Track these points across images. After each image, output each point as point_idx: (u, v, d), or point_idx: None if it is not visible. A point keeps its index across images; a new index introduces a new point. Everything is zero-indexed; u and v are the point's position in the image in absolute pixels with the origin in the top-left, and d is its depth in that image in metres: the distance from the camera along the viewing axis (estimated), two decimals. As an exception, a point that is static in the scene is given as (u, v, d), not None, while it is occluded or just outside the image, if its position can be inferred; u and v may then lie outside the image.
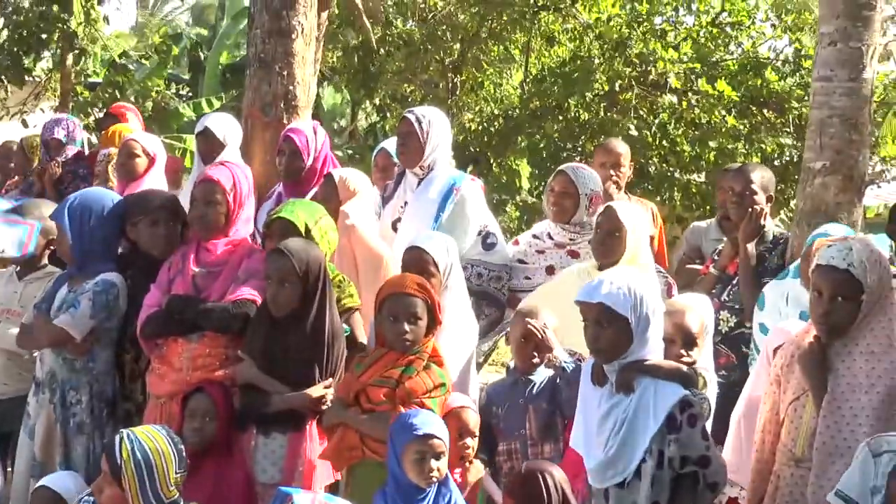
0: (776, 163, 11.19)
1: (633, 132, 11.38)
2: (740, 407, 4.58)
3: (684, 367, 4.16)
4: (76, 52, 12.94)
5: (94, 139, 8.70)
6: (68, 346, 5.00)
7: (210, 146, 6.29)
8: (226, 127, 6.36)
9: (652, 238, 6.23)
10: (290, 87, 6.40)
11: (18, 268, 5.65)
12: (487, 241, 5.84)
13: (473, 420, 4.63)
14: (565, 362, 4.73)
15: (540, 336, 4.79)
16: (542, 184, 12.77)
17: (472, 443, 4.58)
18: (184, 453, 4.09)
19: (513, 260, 5.92)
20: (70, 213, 5.12)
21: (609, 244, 5.19)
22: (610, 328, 3.91)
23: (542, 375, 4.83)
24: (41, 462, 5.06)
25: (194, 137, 6.57)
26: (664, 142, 11.89)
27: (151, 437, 4.05)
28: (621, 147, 6.72)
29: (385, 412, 4.44)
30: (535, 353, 4.83)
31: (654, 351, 3.99)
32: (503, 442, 4.82)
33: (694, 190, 11.87)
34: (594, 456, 4.00)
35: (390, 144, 6.68)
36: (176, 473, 4.01)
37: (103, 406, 5.04)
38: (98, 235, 5.11)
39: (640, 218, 5.37)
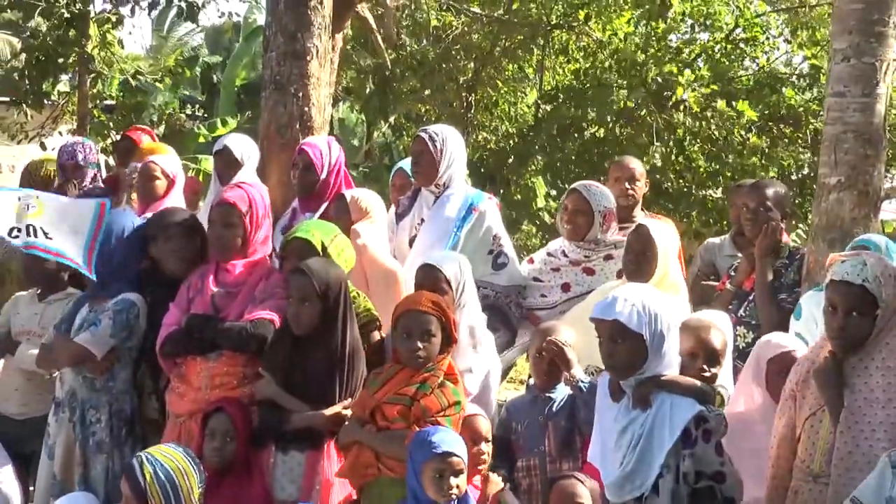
0: (793, 177, 11.21)
1: (657, 159, 11.39)
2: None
3: (700, 383, 4.19)
4: (93, 75, 13.05)
5: (111, 161, 8.76)
6: (88, 364, 5.06)
7: (228, 165, 6.35)
8: (244, 147, 6.42)
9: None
10: (306, 109, 6.48)
11: (39, 290, 5.71)
12: (498, 262, 5.85)
13: (485, 426, 4.66)
14: (582, 381, 4.75)
15: (556, 352, 4.82)
16: (559, 202, 12.86)
17: (487, 448, 4.60)
18: (201, 467, 4.15)
19: (527, 279, 5.94)
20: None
21: (641, 264, 5.17)
22: (624, 344, 3.96)
23: (561, 393, 4.87)
24: (61, 481, 5.11)
25: (212, 156, 6.63)
26: (680, 158, 11.93)
27: (170, 457, 4.11)
28: (635, 163, 6.71)
29: (400, 431, 4.47)
30: (552, 370, 4.86)
31: (670, 366, 4.03)
32: (522, 458, 4.85)
33: (710, 206, 11.89)
34: (611, 471, 4.04)
35: (408, 164, 6.72)
36: (198, 488, 4.06)
37: (122, 425, 5.10)
38: (118, 256, 5.18)
39: (670, 236, 5.38)
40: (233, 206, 5.05)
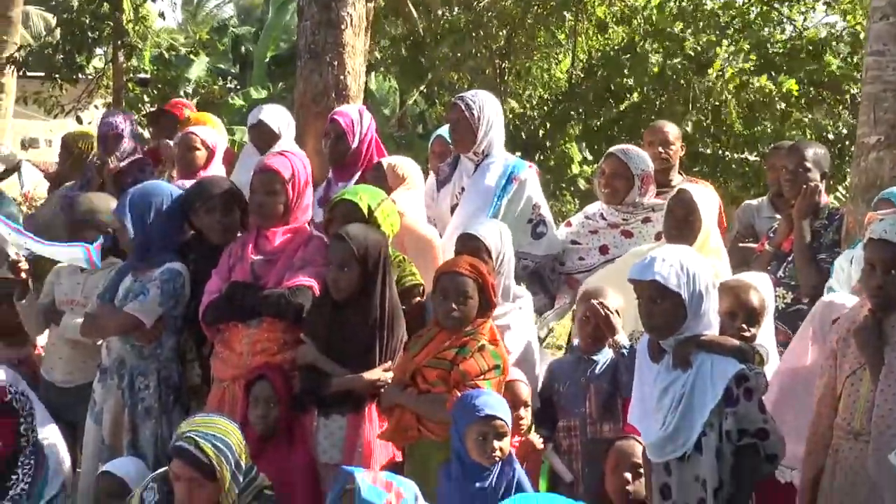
0: (831, 138, 11.14)
1: (689, 128, 11.34)
2: (776, 378, 4.60)
3: (740, 343, 4.20)
4: (127, 48, 13.13)
5: (146, 134, 8.83)
6: (137, 333, 5.14)
7: (264, 138, 6.40)
8: (279, 118, 6.46)
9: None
10: (341, 77, 6.52)
11: None
12: (537, 231, 5.88)
13: (525, 392, 4.72)
14: (625, 347, 4.78)
15: (602, 317, 4.84)
16: (597, 166, 12.82)
17: (526, 413, 4.66)
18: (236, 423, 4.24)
19: (565, 244, 5.97)
20: (131, 206, 5.25)
21: (683, 229, 5.15)
22: (663, 305, 3.98)
23: (605, 356, 4.90)
24: (109, 446, 5.19)
25: (247, 130, 6.67)
26: (715, 123, 11.87)
27: (210, 423, 4.18)
28: (669, 126, 6.69)
29: (440, 394, 4.52)
30: (597, 333, 4.88)
31: (709, 326, 4.05)
32: (563, 419, 4.90)
33: (747, 170, 11.83)
34: (653, 431, 4.07)
35: (446, 130, 6.74)
36: (245, 452, 4.14)
37: (170, 391, 5.18)
38: (158, 227, 5.23)
39: (712, 201, 5.37)
40: (276, 173, 5.07)
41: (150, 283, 5.13)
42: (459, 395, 4.43)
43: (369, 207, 5.00)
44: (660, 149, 6.36)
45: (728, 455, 3.97)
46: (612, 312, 4.85)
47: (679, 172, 6.59)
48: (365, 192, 5.15)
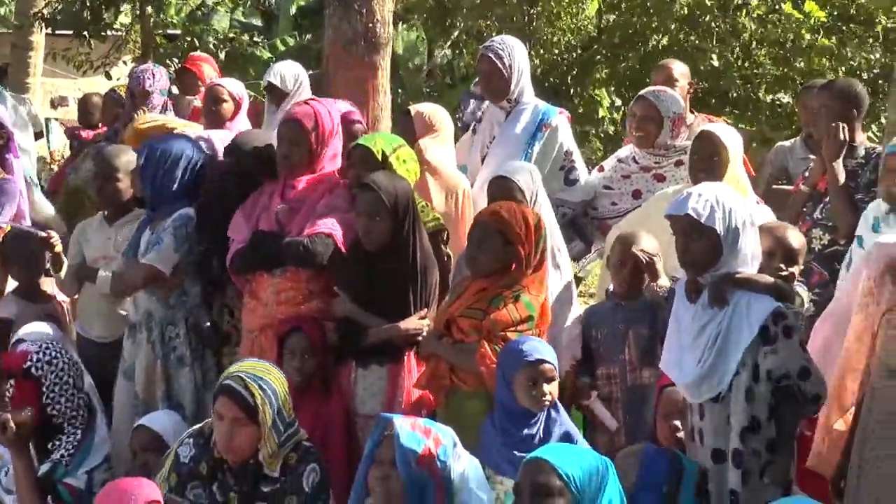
0: (865, 77, 10.97)
1: (715, 61, 11.22)
2: (827, 319, 4.54)
3: (778, 281, 4.12)
4: (155, 3, 13.11)
5: (174, 90, 8.81)
6: (160, 283, 5.14)
7: (274, 99, 6.42)
8: (286, 73, 6.46)
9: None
10: (370, 25, 6.47)
11: (105, 213, 5.78)
12: (570, 177, 5.84)
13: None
14: (667, 292, 4.70)
15: (644, 262, 4.79)
16: (623, 114, 12.74)
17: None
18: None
19: (597, 188, 5.91)
20: (147, 157, 5.26)
21: (708, 169, 5.07)
22: (699, 240, 3.92)
23: (641, 301, 4.85)
24: (143, 400, 5.21)
25: (263, 89, 6.67)
26: (747, 63, 11.72)
27: (264, 368, 4.18)
28: (675, 63, 6.72)
29: (471, 344, 4.49)
30: (634, 279, 4.84)
31: (746, 264, 3.98)
32: (602, 366, 4.86)
33: (779, 110, 11.69)
34: (688, 371, 4.02)
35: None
36: (287, 393, 4.15)
37: (200, 339, 5.19)
38: (170, 179, 5.20)
39: (736, 139, 5.28)
40: (298, 122, 5.01)
41: (164, 232, 5.12)
42: (488, 345, 4.41)
43: (383, 153, 4.98)
44: (663, 85, 6.30)
45: (762, 396, 3.91)
46: (654, 257, 4.79)
47: (691, 111, 6.52)
48: (381, 137, 5.15)
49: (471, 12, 13.49)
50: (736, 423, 3.92)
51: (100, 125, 8.35)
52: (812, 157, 5.95)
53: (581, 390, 4.87)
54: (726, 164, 5.12)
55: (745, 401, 3.91)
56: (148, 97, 7.25)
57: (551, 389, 4.20)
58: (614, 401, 4.84)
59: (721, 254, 3.93)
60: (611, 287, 5.04)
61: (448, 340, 4.59)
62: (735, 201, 3.96)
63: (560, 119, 5.88)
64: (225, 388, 4.09)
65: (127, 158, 5.53)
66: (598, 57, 12.70)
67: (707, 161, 5.14)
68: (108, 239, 5.68)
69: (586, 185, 5.88)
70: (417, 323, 4.74)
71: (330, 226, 4.86)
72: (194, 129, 6.51)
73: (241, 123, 6.55)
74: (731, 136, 5.26)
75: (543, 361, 4.19)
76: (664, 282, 4.79)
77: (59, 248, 5.73)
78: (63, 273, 5.72)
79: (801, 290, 4.50)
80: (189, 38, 14.13)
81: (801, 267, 4.62)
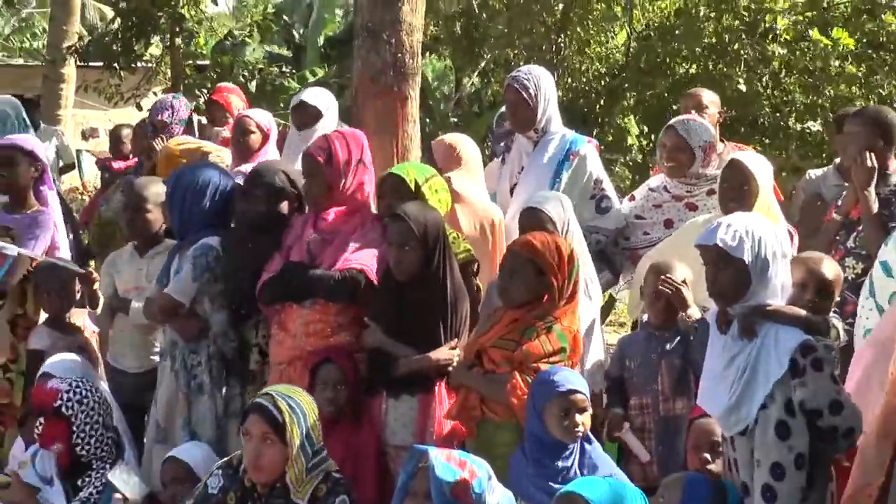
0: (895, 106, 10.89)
1: (742, 86, 11.19)
2: (868, 347, 4.47)
3: (808, 314, 4.04)
4: (185, 34, 13.21)
5: (203, 121, 8.88)
6: (178, 325, 5.13)
7: (306, 119, 6.44)
8: (319, 98, 6.51)
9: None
10: (399, 55, 6.46)
11: (136, 245, 5.78)
12: (602, 206, 5.82)
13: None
14: (698, 322, 4.68)
15: (674, 292, 4.77)
16: (652, 142, 12.73)
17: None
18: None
19: (629, 217, 5.90)
20: (174, 185, 5.27)
21: (738, 198, 5.05)
22: (727, 270, 3.88)
23: (675, 331, 4.82)
24: (164, 428, 5.21)
25: (290, 110, 6.71)
26: (776, 92, 11.67)
27: (295, 391, 4.19)
28: (704, 92, 6.72)
29: (502, 375, 4.48)
30: (669, 309, 4.81)
31: (776, 295, 3.93)
32: (635, 396, 4.84)
33: (809, 139, 11.63)
34: (720, 403, 3.98)
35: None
36: (318, 425, 4.14)
37: (222, 366, 5.13)
38: (198, 208, 5.20)
39: (765, 168, 5.25)
40: (310, 156, 5.05)
41: (184, 262, 5.14)
42: (519, 376, 4.39)
43: (416, 182, 4.98)
44: (693, 112, 6.31)
45: (798, 431, 3.84)
46: (682, 286, 4.77)
47: (721, 140, 6.49)
48: (413, 167, 5.16)
49: (498, 41, 13.52)
50: (763, 457, 3.86)
51: (130, 156, 8.41)
52: (846, 184, 5.91)
53: (613, 421, 4.84)
54: (756, 192, 5.09)
55: (774, 435, 3.85)
56: (167, 128, 7.32)
57: (583, 420, 4.17)
58: (647, 431, 4.81)
59: (750, 284, 3.89)
60: (644, 317, 5.00)
61: (479, 371, 4.58)
62: (765, 231, 3.92)
63: (588, 148, 5.87)
64: (254, 405, 4.10)
65: (156, 189, 5.55)
66: (626, 85, 12.69)
67: (737, 190, 5.12)
68: (140, 270, 5.70)
69: (618, 213, 5.86)
70: (448, 353, 4.73)
71: (363, 260, 4.86)
72: (226, 153, 6.57)
73: (270, 155, 6.57)
74: (760, 165, 5.23)
75: (575, 392, 4.17)
76: (694, 312, 4.76)
77: (97, 284, 5.74)
78: (99, 308, 5.73)
79: (836, 321, 4.43)
80: (219, 70, 14.22)
81: (838, 298, 4.56)
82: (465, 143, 5.91)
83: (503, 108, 6.82)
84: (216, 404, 5.12)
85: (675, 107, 11.92)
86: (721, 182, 5.24)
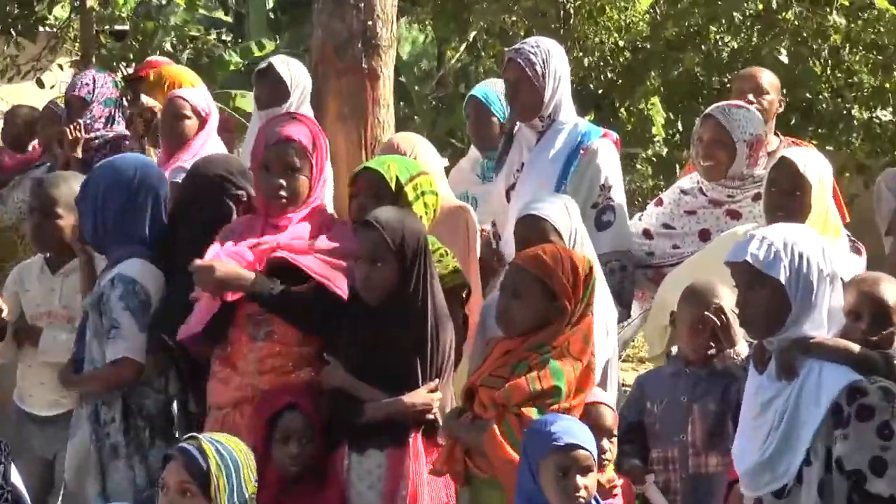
0: None
1: (784, 58, 11.25)
2: None
3: (864, 349, 4.02)
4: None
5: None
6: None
7: (272, 91, 6.44)
8: (293, 70, 6.51)
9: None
10: (369, 23, 6.48)
11: (47, 257, 5.75)
12: (602, 218, 5.79)
13: (610, 417, 4.65)
14: (745, 361, 4.67)
15: (723, 325, 4.79)
16: (678, 131, 12.76)
17: (609, 445, 4.59)
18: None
19: (655, 226, 5.94)
20: (87, 181, 5.24)
21: (788, 206, 5.07)
22: (760, 293, 3.91)
23: (711, 368, 4.84)
24: (72, 492, 5.21)
25: (254, 79, 6.68)
26: (837, 72, 11.75)
27: (229, 438, 4.19)
28: (764, 73, 6.71)
29: (486, 421, 4.48)
30: (713, 343, 4.84)
31: (824, 325, 3.95)
32: (658, 447, 4.87)
33: (879, 130, 11.70)
34: (748, 456, 4.00)
35: (484, 89, 6.70)
36: (253, 483, 4.13)
37: (143, 424, 5.08)
38: (113, 212, 5.14)
39: (825, 167, 5.29)
40: (296, 142, 4.97)
41: (114, 310, 5.02)
42: (497, 423, 4.41)
43: (398, 180, 4.98)
44: (751, 96, 6.34)
45: (840, 491, 3.84)
46: (731, 318, 4.76)
47: (775, 133, 6.52)
48: (396, 161, 5.14)
49: (491, 5, 13.54)
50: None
51: (33, 146, 8.37)
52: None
53: (633, 474, 4.85)
54: (809, 199, 5.12)
55: (818, 497, 3.86)
56: (86, 108, 7.29)
57: (587, 483, 4.15)
58: (672, 493, 4.84)
59: (788, 311, 3.91)
60: (674, 350, 5.02)
61: (468, 416, 4.58)
62: (810, 246, 3.93)
63: (603, 143, 5.82)
64: (174, 449, 4.07)
65: (70, 189, 5.51)
66: (650, 61, 12.74)
67: (788, 196, 5.15)
68: (52, 290, 5.69)
69: (621, 232, 5.81)
70: (426, 397, 4.72)
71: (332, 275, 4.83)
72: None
73: (210, 144, 6.55)
74: (818, 164, 5.27)
75: (577, 447, 4.14)
76: (743, 348, 4.78)
77: (5, 313, 5.71)
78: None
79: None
80: (141, 38, 14.19)
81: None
82: (417, 144, 5.89)
83: (472, 91, 6.84)
84: (136, 474, 5.04)
85: (705, 90, 12.03)
86: (767, 185, 5.27)
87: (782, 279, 3.87)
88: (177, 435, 4.99)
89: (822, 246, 4.02)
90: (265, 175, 5.01)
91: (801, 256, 3.89)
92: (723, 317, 4.80)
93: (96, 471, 5.09)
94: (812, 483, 3.87)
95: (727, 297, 4.78)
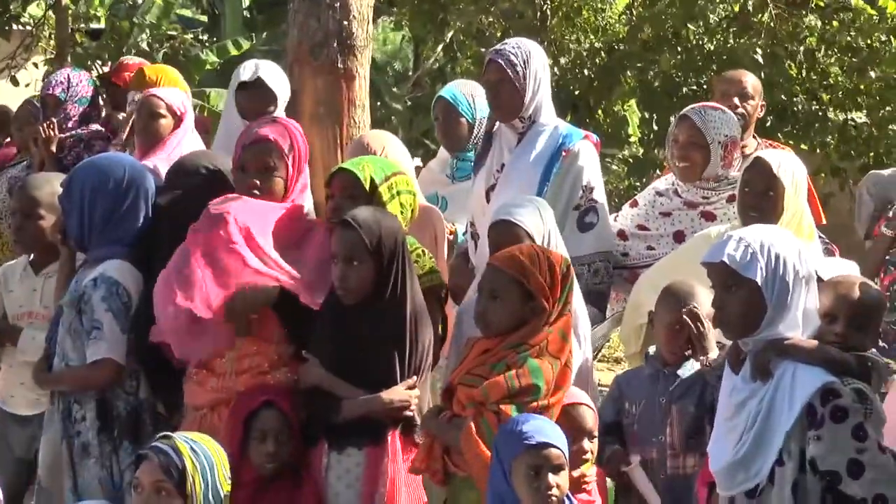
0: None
1: (759, 57, 11.29)
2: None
3: (838, 351, 4.06)
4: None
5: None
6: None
7: (261, 101, 6.43)
8: (279, 79, 6.52)
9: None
10: (345, 23, 6.45)
11: (31, 257, 5.76)
12: (585, 220, 5.78)
13: (591, 418, 4.66)
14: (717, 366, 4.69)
15: (698, 333, 4.82)
16: (653, 132, 12.79)
17: (591, 446, 4.61)
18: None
19: (629, 228, 5.95)
20: (71, 180, 5.21)
21: (761, 207, 5.10)
22: (736, 294, 3.94)
23: (690, 369, 4.87)
24: (46, 489, 5.18)
25: (234, 90, 6.66)
26: (812, 74, 11.80)
27: (202, 437, 4.23)
28: (748, 76, 6.69)
29: (462, 418, 4.51)
30: (689, 345, 4.87)
31: (798, 327, 3.99)
32: (636, 448, 4.89)
33: (854, 132, 11.75)
34: (722, 456, 4.03)
35: (451, 89, 6.72)
36: (227, 482, 4.15)
37: (114, 424, 5.06)
38: (101, 213, 5.13)
39: (798, 169, 5.31)
40: (273, 143, 5.02)
41: (97, 311, 5.02)
42: (473, 421, 4.43)
43: (372, 181, 5.00)
44: (735, 100, 6.35)
45: (813, 492, 3.89)
46: (705, 324, 4.80)
47: (753, 136, 6.55)
48: (371, 162, 5.15)
49: (469, 6, 13.55)
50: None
51: (5, 143, 8.36)
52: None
53: (617, 456, 4.88)
54: (782, 201, 5.14)
55: (791, 497, 3.89)
56: (60, 107, 7.28)
57: (559, 481, 4.18)
58: (649, 492, 4.86)
59: (764, 312, 3.94)
60: (651, 350, 5.05)
61: (446, 415, 4.60)
62: (786, 248, 3.97)
63: (584, 145, 5.80)
64: (148, 448, 4.11)
65: (52, 190, 5.51)
66: (626, 62, 12.77)
67: (761, 196, 5.17)
68: (34, 291, 5.70)
69: (603, 233, 5.81)
70: (404, 394, 4.74)
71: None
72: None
73: (186, 144, 6.54)
74: (792, 166, 5.29)
75: (549, 446, 4.18)
76: (715, 355, 4.79)
77: None
78: None
79: (879, 360, 4.44)
80: (116, 37, 14.15)
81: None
82: (387, 143, 5.90)
83: (440, 92, 6.84)
84: (110, 473, 5.04)
85: (681, 91, 12.07)
86: (741, 186, 5.28)
87: (759, 280, 3.90)
88: (148, 434, 4.99)
89: (799, 248, 4.05)
90: (241, 175, 5.08)
91: (777, 258, 3.92)
92: (698, 324, 4.83)
93: (68, 467, 5.09)
94: (784, 483, 3.90)
95: (705, 299, 4.77)
